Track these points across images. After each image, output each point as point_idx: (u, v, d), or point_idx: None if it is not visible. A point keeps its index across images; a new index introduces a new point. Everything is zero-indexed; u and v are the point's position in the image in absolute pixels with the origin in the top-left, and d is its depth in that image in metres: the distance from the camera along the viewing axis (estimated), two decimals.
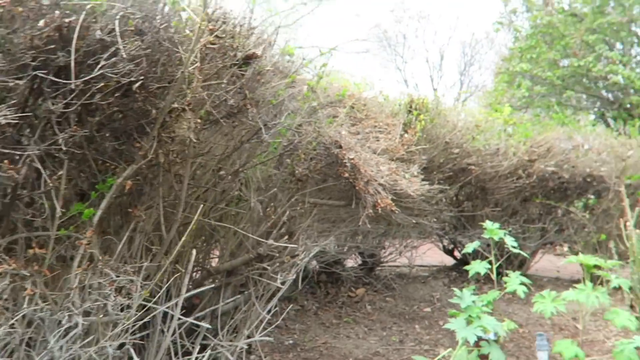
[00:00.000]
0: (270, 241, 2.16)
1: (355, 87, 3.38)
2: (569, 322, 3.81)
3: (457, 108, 3.68)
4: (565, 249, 5.38)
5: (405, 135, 3.12)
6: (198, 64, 1.59)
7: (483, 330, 2.14)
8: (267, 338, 2.35)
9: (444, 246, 5.07)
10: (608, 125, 6.39)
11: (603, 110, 7.04)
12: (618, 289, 2.41)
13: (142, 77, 1.45)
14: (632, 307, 3.35)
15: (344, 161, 2.34)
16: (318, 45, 2.51)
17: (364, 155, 2.63)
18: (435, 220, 3.57)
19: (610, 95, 6.68)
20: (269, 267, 2.25)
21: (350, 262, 4.61)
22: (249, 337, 2.29)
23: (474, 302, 2.27)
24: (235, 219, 2.39)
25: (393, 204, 2.59)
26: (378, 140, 3.03)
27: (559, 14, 6.50)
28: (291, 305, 3.52)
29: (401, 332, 3.43)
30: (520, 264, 4.69)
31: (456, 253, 5.05)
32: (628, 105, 6.48)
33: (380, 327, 3.48)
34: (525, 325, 3.68)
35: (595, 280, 2.60)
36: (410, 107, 3.20)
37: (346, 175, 2.33)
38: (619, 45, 6.91)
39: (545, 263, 5.67)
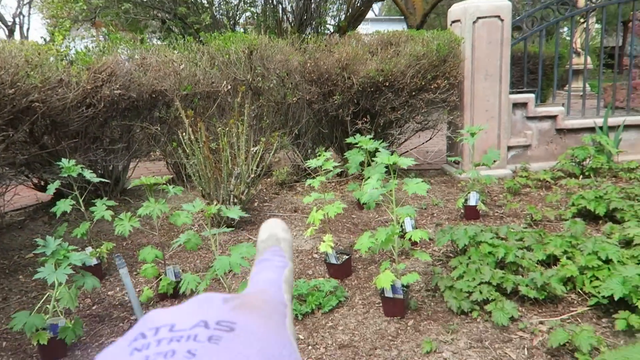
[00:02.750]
0: None
1: None
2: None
3: (1, 44, 3.36)
4: (158, 152, 6.01)
5: None
6: None
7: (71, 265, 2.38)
8: None
9: (35, 183, 4.86)
10: (170, 36, 7.03)
11: (166, 21, 7.65)
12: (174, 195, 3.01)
13: None
14: (203, 196, 4.21)
15: None
16: None
17: None
18: (9, 168, 3.38)
19: (167, 6, 7.26)
20: None
21: None
22: None
23: (60, 244, 2.45)
24: None
25: None
26: None
27: None
28: None
29: (4, 289, 3.30)
30: (116, 181, 5.03)
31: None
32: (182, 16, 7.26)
33: None
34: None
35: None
36: None
37: None
38: None
39: (142, 170, 6.23)
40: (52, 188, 3.15)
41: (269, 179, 5.37)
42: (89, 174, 3.11)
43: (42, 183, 4.83)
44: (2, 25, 19.05)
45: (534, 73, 9.37)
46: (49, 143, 4.15)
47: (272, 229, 0.38)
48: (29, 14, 20.51)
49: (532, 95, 5.35)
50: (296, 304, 2.69)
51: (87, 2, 6.33)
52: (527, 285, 2.53)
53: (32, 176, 4.52)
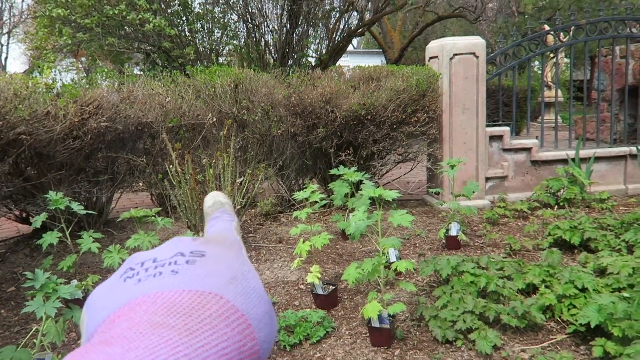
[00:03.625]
0: None
1: None
2: None
3: None
4: (141, 184, 6.02)
5: None
6: None
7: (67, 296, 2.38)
8: None
9: (16, 215, 4.80)
10: (154, 68, 7.13)
11: (151, 54, 7.76)
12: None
13: None
14: (189, 227, 4.23)
15: None
16: None
17: None
18: None
19: (152, 40, 7.38)
20: None
21: None
22: None
23: (48, 278, 2.45)
24: None
25: None
26: None
27: None
28: None
29: None
30: (100, 213, 5.01)
31: (32, 219, 4.89)
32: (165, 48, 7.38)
33: None
34: None
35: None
36: None
37: None
38: None
39: (125, 202, 6.21)
40: (38, 220, 3.14)
41: (253, 210, 5.41)
42: (76, 207, 3.13)
43: (24, 215, 4.79)
44: None
45: (508, 105, 9.73)
46: (32, 175, 4.14)
47: (216, 197, 0.46)
48: (8, 43, 20.47)
49: (508, 128, 5.56)
50: (284, 335, 2.72)
51: (72, 36, 6.40)
52: (508, 314, 2.61)
53: (15, 208, 4.48)
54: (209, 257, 0.33)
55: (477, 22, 12.27)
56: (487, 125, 5.49)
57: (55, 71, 5.31)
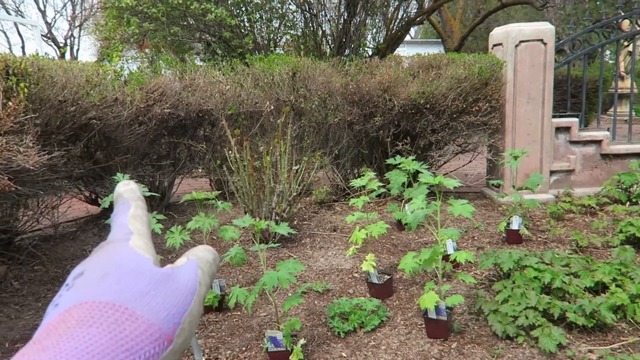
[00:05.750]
0: None
1: None
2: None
3: (65, 64, 3.60)
4: (200, 170, 6.20)
5: (9, 104, 2.94)
6: None
7: None
8: None
9: (86, 196, 5.08)
10: (214, 57, 7.30)
11: (211, 43, 7.95)
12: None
13: None
14: (245, 212, 4.31)
15: None
16: None
17: None
18: (67, 181, 3.57)
19: (212, 30, 7.56)
20: None
21: None
22: None
23: None
24: None
25: (10, 184, 2.52)
26: None
27: None
28: None
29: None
30: (162, 197, 5.21)
31: (100, 200, 5.15)
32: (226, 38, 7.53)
33: (34, 300, 3.41)
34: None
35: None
36: (7, 73, 2.98)
37: None
38: None
39: (185, 187, 6.43)
40: (107, 201, 3.29)
41: (307, 198, 5.44)
42: (141, 189, 3.25)
43: (93, 196, 5.06)
44: (55, 47, 20.13)
45: (575, 97, 9.22)
46: (101, 158, 4.35)
47: (115, 191, 0.43)
48: (79, 35, 21.61)
49: (576, 119, 5.27)
50: (338, 322, 2.71)
51: (139, 25, 6.66)
52: (575, 312, 2.48)
53: (85, 189, 4.73)
54: (86, 274, 0.32)
55: (544, 9, 11.67)
56: (554, 116, 5.22)
57: (123, 60, 5.55)
